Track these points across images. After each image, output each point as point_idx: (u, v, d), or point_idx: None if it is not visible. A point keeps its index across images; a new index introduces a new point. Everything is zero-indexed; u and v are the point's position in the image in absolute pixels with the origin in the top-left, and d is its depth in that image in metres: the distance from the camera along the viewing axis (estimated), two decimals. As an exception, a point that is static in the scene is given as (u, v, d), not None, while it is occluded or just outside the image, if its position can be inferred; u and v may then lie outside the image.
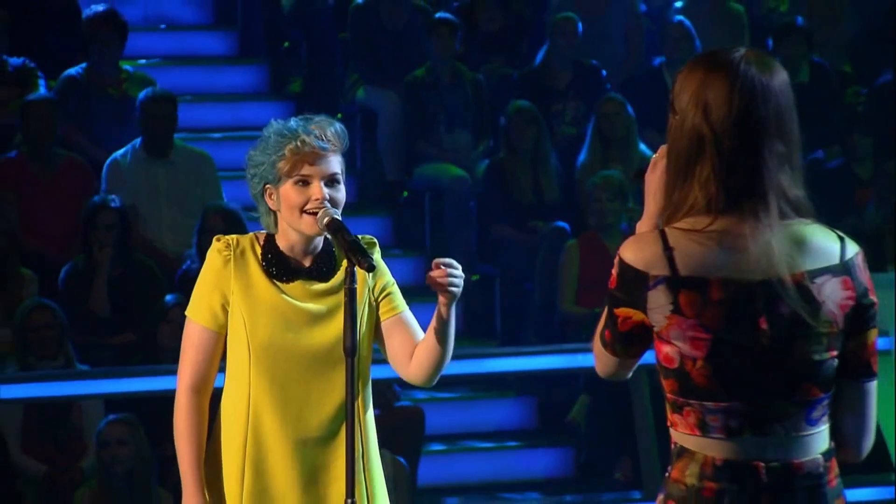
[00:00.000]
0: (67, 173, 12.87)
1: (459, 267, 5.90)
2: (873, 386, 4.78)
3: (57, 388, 10.01)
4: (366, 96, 14.58)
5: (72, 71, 13.63)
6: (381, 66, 14.58)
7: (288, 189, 6.06)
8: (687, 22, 14.72)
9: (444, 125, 14.05)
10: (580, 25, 14.40)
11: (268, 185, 6.11)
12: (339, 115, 15.12)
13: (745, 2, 15.37)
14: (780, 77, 4.64)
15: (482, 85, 14.18)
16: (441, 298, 5.96)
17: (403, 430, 11.95)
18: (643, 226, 4.80)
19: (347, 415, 5.89)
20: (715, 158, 4.61)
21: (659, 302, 4.59)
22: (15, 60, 13.42)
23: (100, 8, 13.90)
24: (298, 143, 6.05)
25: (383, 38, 14.54)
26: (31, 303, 11.13)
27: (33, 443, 10.91)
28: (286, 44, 15.48)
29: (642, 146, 14.07)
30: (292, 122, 6.15)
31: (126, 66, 13.98)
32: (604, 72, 14.53)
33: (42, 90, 13.21)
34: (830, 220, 13.77)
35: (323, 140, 6.08)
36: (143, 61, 14.94)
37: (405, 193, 14.52)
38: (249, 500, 6.17)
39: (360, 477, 6.04)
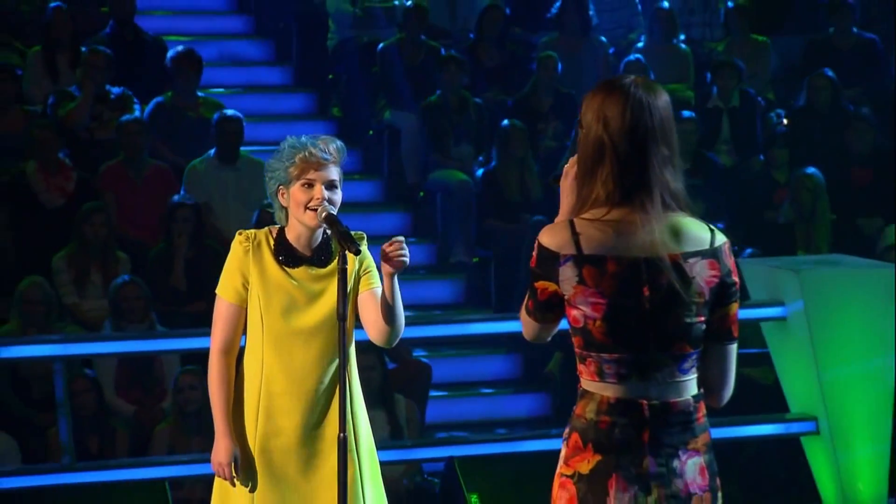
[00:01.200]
0: (154, 177, 12.82)
1: (407, 246, 5.97)
2: (734, 348, 4.92)
3: (143, 345, 10.05)
4: (391, 117, 14.43)
5: (159, 98, 13.54)
6: (403, 93, 14.42)
7: (296, 190, 6.07)
8: (643, 59, 14.52)
9: (452, 140, 13.95)
10: (560, 63, 14.23)
11: (280, 186, 6.13)
12: (371, 132, 15.22)
13: (690, 44, 15.14)
14: (663, 97, 4.84)
15: (482, 108, 14.09)
16: (388, 269, 5.96)
17: (415, 380, 12.20)
18: (559, 219, 4.88)
19: (340, 367, 5.96)
20: (613, 161, 4.75)
21: (567, 275, 4.71)
22: (116, 89, 13.34)
23: (181, 48, 13.87)
24: (306, 154, 6.05)
25: (405, 72, 14.43)
26: (123, 279, 11.10)
27: (124, 389, 10.97)
28: (330, 76, 15.35)
29: None
30: (303, 138, 6.16)
31: (201, 93, 13.86)
32: (577, 98, 14.07)
33: (136, 113, 13.09)
34: (755, 214, 13.60)
35: (326, 153, 6.09)
36: (216, 90, 14.70)
37: (421, 193, 14.40)
38: (261, 438, 6.18)
39: (347, 416, 6.03)
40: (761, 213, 13.64)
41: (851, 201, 13.61)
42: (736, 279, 4.90)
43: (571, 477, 4.81)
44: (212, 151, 12.89)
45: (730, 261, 4.87)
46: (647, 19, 15.28)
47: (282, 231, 6.24)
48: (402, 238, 5.99)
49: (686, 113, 14.02)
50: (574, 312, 4.74)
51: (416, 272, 14.60)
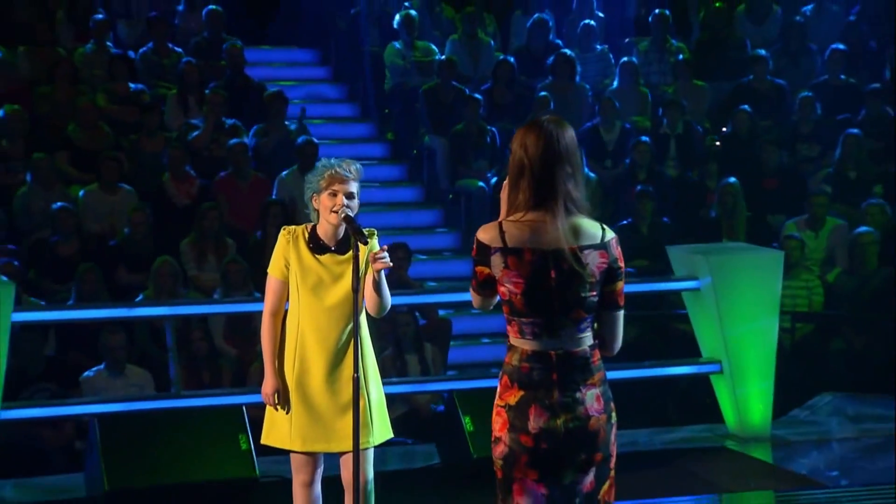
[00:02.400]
0: (255, 184, 12.83)
1: (388, 254, 6.02)
2: (620, 314, 4.91)
3: (244, 307, 10.12)
4: (429, 141, 14.33)
5: (259, 126, 13.46)
6: (438, 123, 14.30)
7: (324, 197, 6.08)
8: (614, 98, 14.39)
9: (472, 157, 13.87)
10: (552, 102, 14.05)
11: (314, 194, 6.14)
12: (415, 151, 14.94)
13: (648, 87, 14.97)
14: (569, 131, 4.84)
15: (495, 135, 13.97)
16: (376, 267, 5.97)
17: (440, 332, 11.89)
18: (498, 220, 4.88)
19: (354, 327, 6.01)
20: (529, 177, 4.77)
21: (497, 262, 4.73)
22: (229, 120, 13.39)
23: (275, 90, 13.83)
24: (333, 172, 6.07)
25: (439, 108, 14.33)
26: (230, 258, 11.22)
27: (229, 337, 11.01)
28: (386, 111, 15.25)
29: (587, 170, 13.43)
30: (332, 160, 6.20)
31: (289, 123, 13.77)
32: None
33: (243, 138, 13.15)
34: (692, 212, 13.29)
35: (347, 172, 6.10)
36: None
37: (451, 196, 14.27)
38: (297, 376, 6.18)
39: (359, 363, 6.03)
40: (696, 212, 13.56)
41: (762, 202, 13.52)
42: (621, 265, 4.92)
43: (504, 407, 4.85)
44: (295, 166, 12.71)
45: (616, 251, 4.89)
46: (618, 69, 15.06)
47: (314, 227, 6.23)
48: (385, 249, 6.11)
49: (644, 137, 13.93)
50: (502, 289, 4.80)
51: (443, 254, 14.35)
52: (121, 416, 8.73)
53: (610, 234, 4.87)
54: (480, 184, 13.57)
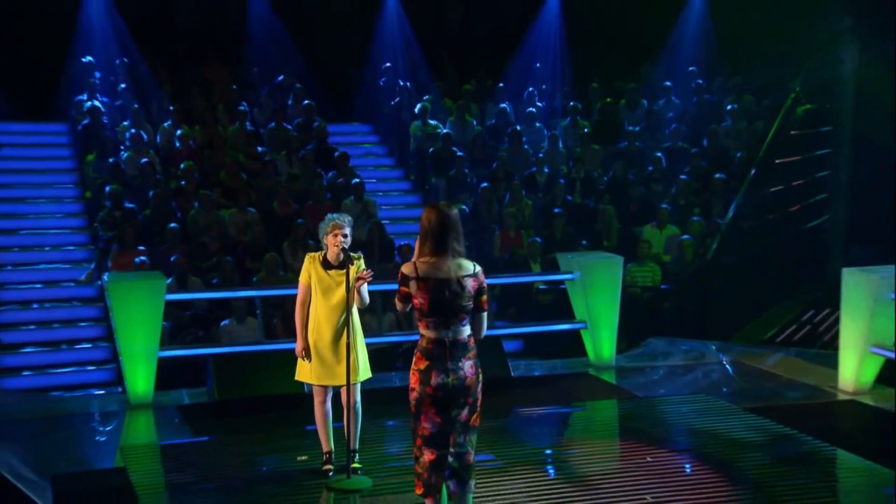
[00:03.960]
0: (327, 208, 11.13)
1: (371, 276, 5.85)
2: (485, 314, 4.87)
3: None
4: (435, 181, 13.98)
5: (332, 172, 13.30)
6: (440, 170, 14.05)
7: (330, 237, 5.96)
8: (545, 157, 14.18)
9: (459, 191, 13.61)
10: (508, 158, 13.98)
11: (324, 234, 5.99)
12: (426, 187, 14.23)
13: (565, 148, 14.70)
14: (454, 210, 4.80)
15: (473, 178, 13.74)
16: (359, 283, 5.78)
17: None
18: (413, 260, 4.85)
19: (347, 313, 5.93)
20: (431, 238, 4.75)
21: (413, 285, 4.73)
22: (316, 169, 13.13)
23: (342, 150, 13.64)
24: (335, 222, 5.94)
25: (441, 161, 14.09)
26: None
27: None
28: (411, 162, 14.84)
29: (526, 199, 13.34)
30: (335, 215, 6.06)
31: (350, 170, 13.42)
32: (516, 178, 13.85)
33: (324, 181, 12.84)
34: (587, 225, 12.83)
35: (343, 222, 5.97)
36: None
37: None
38: (313, 340, 5.99)
39: (351, 339, 5.89)
40: (591, 226, 13.17)
41: (629, 219, 13.27)
42: (485, 286, 4.87)
43: (417, 370, 4.80)
44: (352, 196, 12.59)
45: (482, 277, 4.84)
46: (548, 138, 14.77)
47: (325, 253, 6.04)
48: (369, 271, 5.85)
49: (561, 179, 13.69)
50: (416, 300, 4.75)
51: None
52: (227, 355, 8.43)
53: (478, 268, 4.83)
54: (463, 207, 13.15)
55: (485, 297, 4.85)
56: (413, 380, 4.82)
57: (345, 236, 5.96)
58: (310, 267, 6.07)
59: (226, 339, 9.73)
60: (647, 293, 11.97)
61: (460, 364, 4.76)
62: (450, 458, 4.79)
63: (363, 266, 5.96)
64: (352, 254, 5.91)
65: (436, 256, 4.76)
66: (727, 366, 9.19)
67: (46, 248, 12.01)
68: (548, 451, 6.84)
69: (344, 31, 16.86)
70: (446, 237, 4.75)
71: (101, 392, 8.67)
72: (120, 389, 8.58)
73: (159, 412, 7.69)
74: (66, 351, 10.57)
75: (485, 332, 4.91)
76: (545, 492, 5.88)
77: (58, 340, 10.72)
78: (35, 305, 11.09)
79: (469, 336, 4.82)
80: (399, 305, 4.85)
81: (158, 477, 6.32)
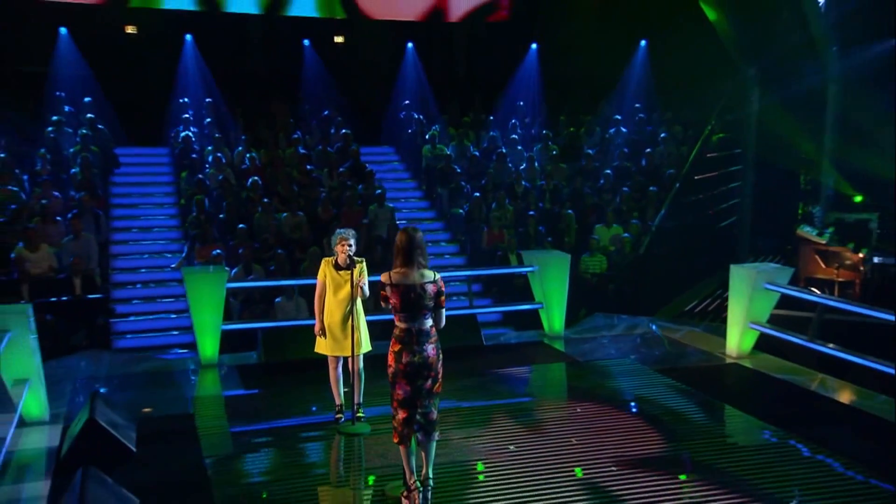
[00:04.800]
0: (358, 213, 12.02)
1: (367, 284, 5.65)
2: (443, 311, 4.70)
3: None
4: (441, 191, 13.78)
5: (361, 185, 12.91)
6: (444, 182, 13.86)
7: (338, 246, 5.77)
8: (523, 173, 13.89)
9: (458, 199, 13.37)
10: (494, 174, 13.77)
11: (335, 245, 5.79)
12: (434, 195, 13.74)
13: (539, 166, 14.33)
14: (419, 233, 4.62)
15: (470, 189, 13.49)
16: (360, 282, 5.61)
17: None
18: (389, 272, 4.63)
19: (352, 302, 5.72)
20: (401, 253, 4.57)
21: (389, 290, 4.58)
22: (348, 182, 12.74)
23: (371, 167, 13.44)
24: (342, 236, 5.74)
25: (444, 175, 13.96)
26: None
27: None
28: (423, 176, 14.54)
29: (509, 206, 13.03)
30: (342, 230, 5.80)
31: (375, 183, 13.10)
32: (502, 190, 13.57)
33: (357, 192, 12.44)
34: (553, 225, 12.71)
35: (348, 235, 5.77)
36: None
37: (448, 215, 13.30)
38: (326, 323, 5.86)
39: (355, 321, 5.71)
40: (556, 225, 12.92)
41: (585, 221, 12.98)
42: (444, 289, 4.65)
43: (393, 352, 4.65)
44: (376, 203, 12.20)
45: (440, 283, 4.65)
46: (526, 159, 14.57)
47: (336, 258, 5.85)
48: (365, 278, 5.64)
49: (535, 192, 13.45)
50: (391, 301, 4.60)
51: (440, 243, 13.03)
52: (271, 328, 8.20)
53: (438, 276, 4.65)
54: (461, 211, 13.28)
55: (443, 298, 4.69)
56: (390, 358, 4.71)
57: (350, 245, 5.79)
58: (324, 268, 5.93)
59: (279, 312, 9.57)
60: (595, 278, 11.90)
61: (424, 347, 4.66)
62: (418, 416, 4.71)
63: (364, 268, 5.76)
64: (355, 258, 5.73)
65: (405, 268, 4.63)
66: (648, 336, 9.07)
67: (150, 242, 12.10)
68: (503, 402, 6.71)
69: (374, 76, 16.83)
70: (412, 253, 4.62)
71: (183, 352, 8.56)
72: (194, 353, 8.55)
73: (222, 371, 7.62)
74: (159, 320, 10.58)
75: (443, 323, 4.74)
76: (499, 434, 5.87)
77: (154, 311, 10.74)
78: (139, 285, 11.20)
79: (431, 326, 4.69)
80: (382, 304, 4.80)
81: (221, 420, 6.37)
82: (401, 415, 4.72)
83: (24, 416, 5.96)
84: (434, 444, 4.76)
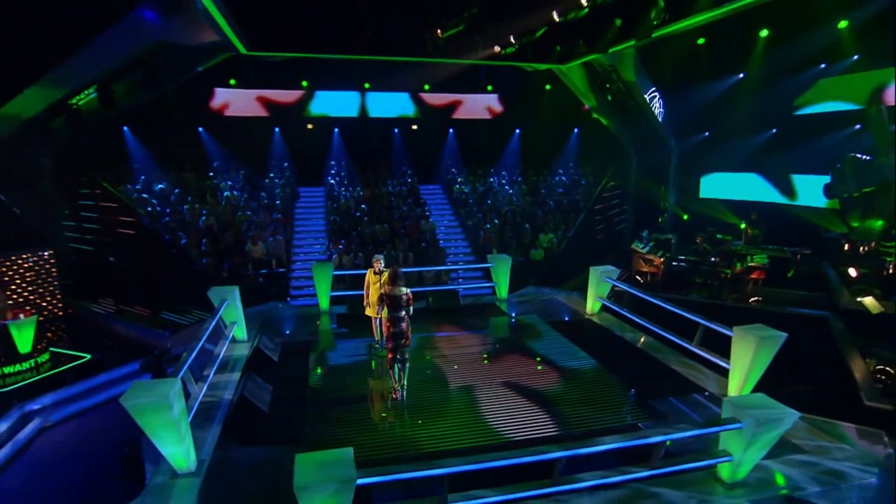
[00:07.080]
0: (412, 226, 11.64)
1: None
2: (410, 307, 4.46)
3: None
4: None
5: (416, 211, 13.17)
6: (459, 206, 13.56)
7: (374, 263, 5.42)
8: (497, 203, 13.72)
9: (470, 210, 12.95)
10: (499, 197, 13.67)
11: (373, 261, 5.44)
12: (461, 211, 12.85)
13: (510, 198, 13.57)
14: (399, 269, 4.20)
15: (473, 206, 12.98)
16: (409, 308, 4.83)
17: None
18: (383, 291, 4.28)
19: (381, 295, 5.09)
20: (390, 280, 4.25)
21: (385, 298, 4.36)
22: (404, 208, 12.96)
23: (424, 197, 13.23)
24: (376, 258, 5.40)
25: (458, 200, 13.64)
26: (377, 255, 6.32)
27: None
28: (453, 199, 13.35)
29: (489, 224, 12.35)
30: (378, 255, 5.33)
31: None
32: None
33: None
34: (516, 234, 11.09)
35: (379, 258, 5.44)
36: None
37: (461, 214, 12.74)
38: (371, 302, 5.43)
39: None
40: (520, 234, 12.00)
41: (536, 233, 12.10)
42: (410, 297, 4.44)
43: (387, 326, 4.61)
44: (423, 220, 11.80)
45: (409, 294, 4.52)
46: (507, 197, 14.15)
47: (374, 269, 5.46)
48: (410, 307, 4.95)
49: (509, 213, 12.67)
50: (385, 302, 4.49)
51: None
52: (353, 294, 7.44)
53: (408, 290, 4.50)
54: (470, 223, 12.28)
55: (410, 302, 4.75)
56: (384, 328, 4.98)
57: (380, 263, 5.61)
58: (368, 275, 5.76)
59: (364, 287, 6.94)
60: (536, 265, 11.36)
61: (401, 324, 4.85)
62: (398, 355, 4.94)
63: (386, 278, 5.14)
64: (383, 270, 5.52)
65: (392, 286, 4.80)
66: (551, 300, 8.23)
67: (311, 246, 11.61)
68: (459, 344, 6.41)
69: (428, 146, 15.80)
70: (396, 280, 4.78)
71: (314, 301, 7.77)
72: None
73: (331, 316, 7.33)
74: (311, 288, 9.72)
75: (410, 313, 4.72)
76: (450, 362, 5.80)
77: (310, 282, 10.10)
78: (302, 266, 10.92)
79: (403, 314, 4.80)
80: (381, 303, 4.84)
81: (328, 342, 6.46)
82: (389, 354, 5.09)
83: (235, 337, 6.19)
84: (407, 365, 5.06)
